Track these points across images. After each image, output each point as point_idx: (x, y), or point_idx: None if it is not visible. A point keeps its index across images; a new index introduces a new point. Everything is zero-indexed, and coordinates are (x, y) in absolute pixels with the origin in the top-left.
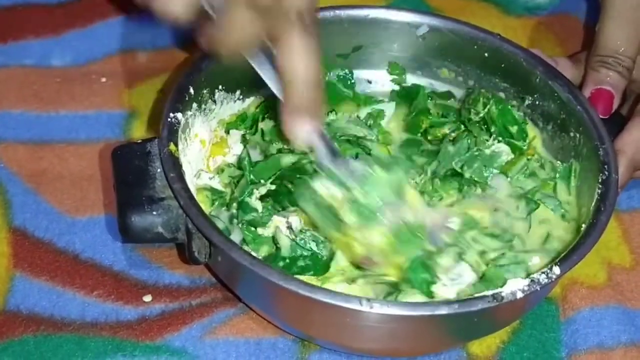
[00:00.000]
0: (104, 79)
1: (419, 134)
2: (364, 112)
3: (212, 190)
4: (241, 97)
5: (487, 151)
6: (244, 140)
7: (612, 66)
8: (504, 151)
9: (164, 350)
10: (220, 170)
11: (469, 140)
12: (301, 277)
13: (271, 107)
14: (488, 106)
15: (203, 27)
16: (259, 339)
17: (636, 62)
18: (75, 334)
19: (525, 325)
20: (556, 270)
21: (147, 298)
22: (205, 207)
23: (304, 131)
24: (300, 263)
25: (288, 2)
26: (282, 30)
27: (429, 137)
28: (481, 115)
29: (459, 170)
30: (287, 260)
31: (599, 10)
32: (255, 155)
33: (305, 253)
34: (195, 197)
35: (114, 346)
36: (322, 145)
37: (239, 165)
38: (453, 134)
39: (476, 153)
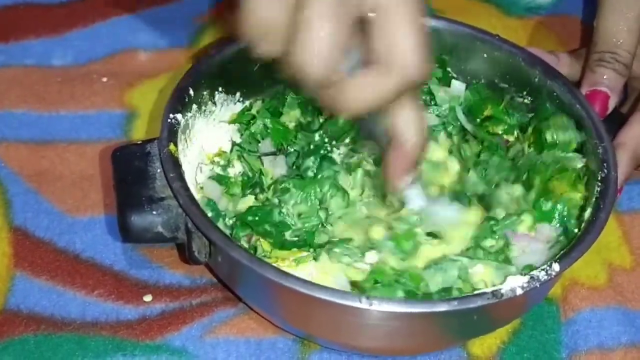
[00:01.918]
0: (104, 79)
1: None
2: None
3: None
4: (241, 99)
5: (562, 154)
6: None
7: (609, 64)
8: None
9: (164, 350)
10: (226, 160)
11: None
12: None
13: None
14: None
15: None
16: (260, 339)
17: (636, 57)
18: (76, 334)
19: (526, 326)
20: (555, 267)
21: (148, 298)
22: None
23: (405, 182)
24: (266, 227)
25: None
26: (401, 100)
27: (484, 130)
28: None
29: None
30: (257, 218)
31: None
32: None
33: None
34: (196, 196)
35: (114, 346)
36: (415, 193)
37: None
38: (506, 136)
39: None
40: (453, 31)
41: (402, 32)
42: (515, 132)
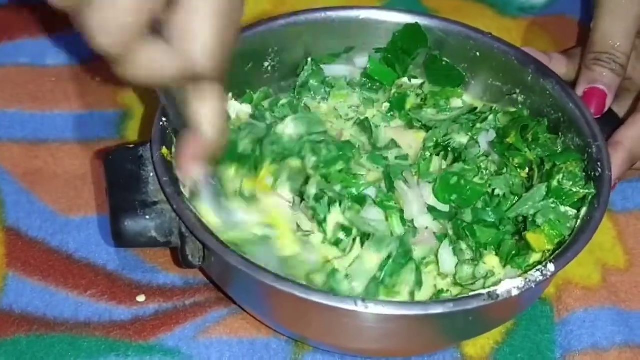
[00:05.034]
0: (98, 79)
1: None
2: None
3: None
4: (232, 99)
5: (562, 209)
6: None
7: (606, 63)
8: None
9: (158, 350)
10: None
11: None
12: None
13: None
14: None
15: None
16: (253, 339)
17: (630, 59)
18: (68, 334)
19: (520, 326)
20: (551, 267)
21: (141, 298)
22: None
23: (195, 172)
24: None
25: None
26: (202, 90)
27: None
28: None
29: (530, 217)
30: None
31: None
32: None
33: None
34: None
35: (107, 346)
36: (206, 190)
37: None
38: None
39: (552, 206)
40: (444, 30)
41: (202, 23)
42: (527, 169)
